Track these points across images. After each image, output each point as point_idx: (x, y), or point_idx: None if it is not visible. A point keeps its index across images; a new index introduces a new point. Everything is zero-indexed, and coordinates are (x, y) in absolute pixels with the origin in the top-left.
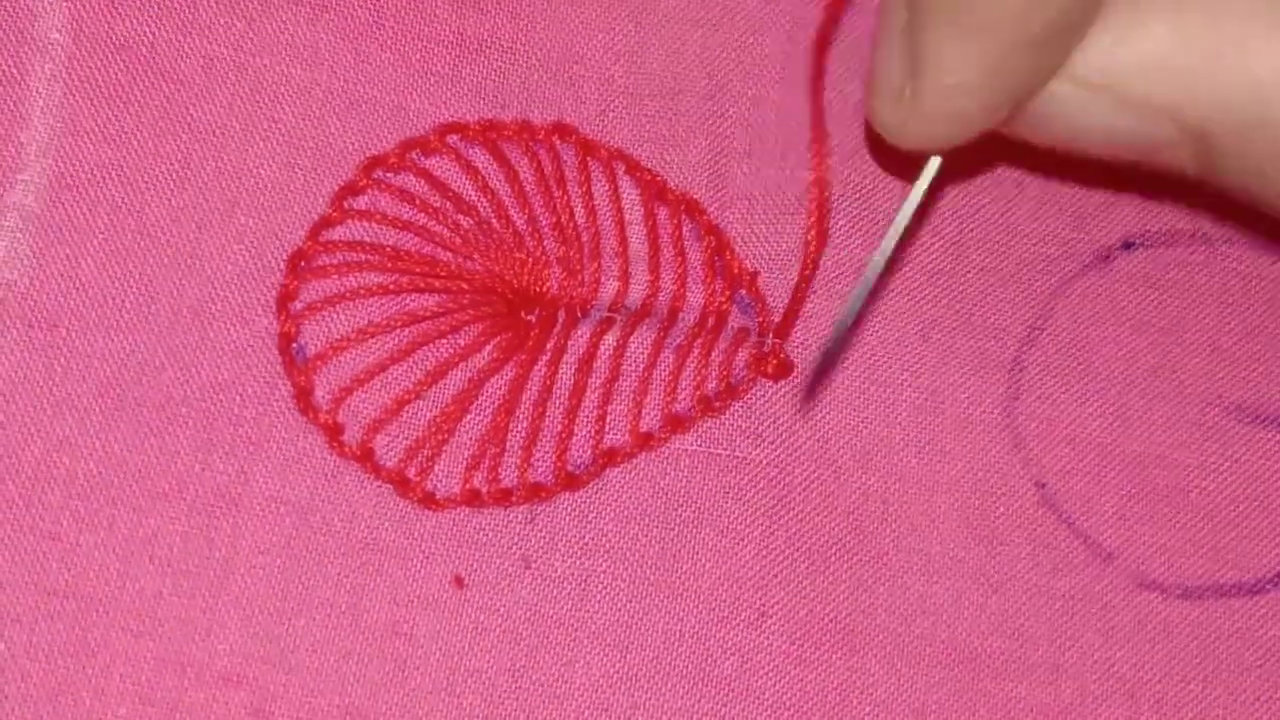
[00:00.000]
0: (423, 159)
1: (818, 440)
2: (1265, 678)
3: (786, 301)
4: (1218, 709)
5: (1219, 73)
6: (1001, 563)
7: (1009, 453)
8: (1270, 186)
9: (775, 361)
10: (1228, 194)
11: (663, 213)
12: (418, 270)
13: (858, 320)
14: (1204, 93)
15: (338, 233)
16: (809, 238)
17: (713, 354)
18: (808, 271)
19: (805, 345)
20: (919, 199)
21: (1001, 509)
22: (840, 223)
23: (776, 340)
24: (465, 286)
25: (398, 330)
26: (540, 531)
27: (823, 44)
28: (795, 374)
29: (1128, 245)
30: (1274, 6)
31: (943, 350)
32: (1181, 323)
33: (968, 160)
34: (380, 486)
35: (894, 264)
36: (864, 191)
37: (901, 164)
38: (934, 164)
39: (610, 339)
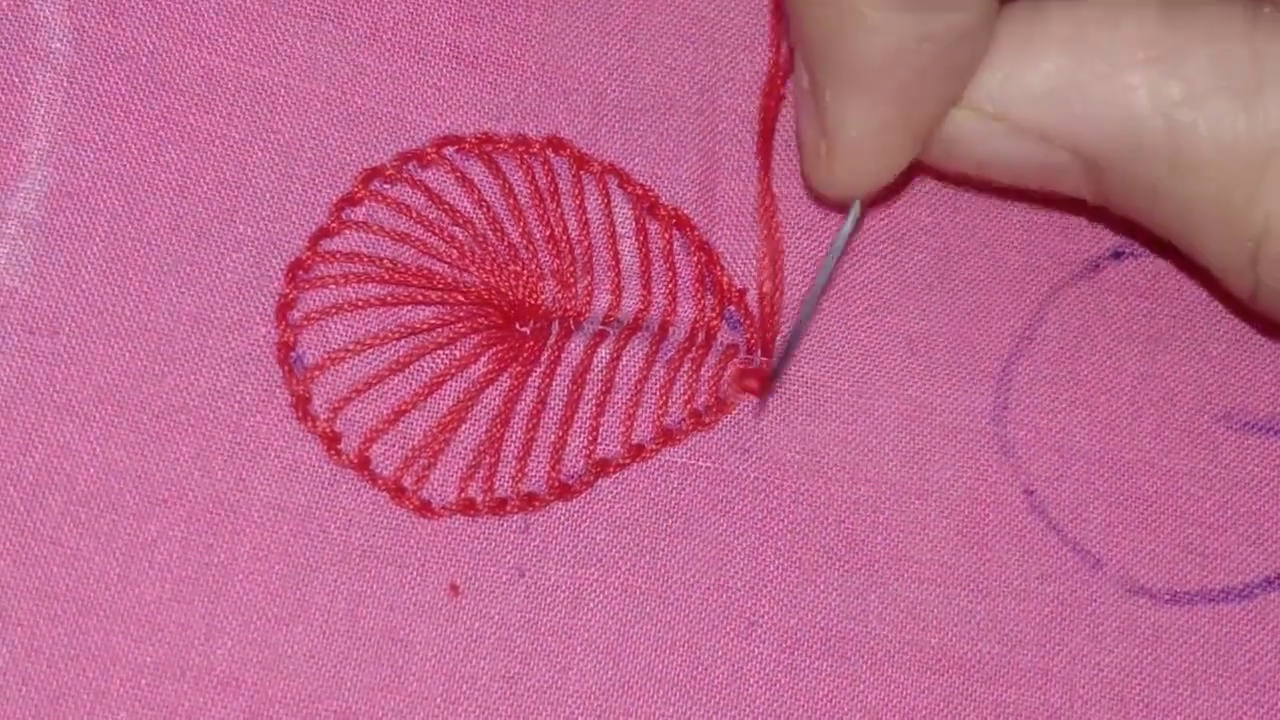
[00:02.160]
0: (419, 171)
1: (807, 452)
2: (1253, 682)
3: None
4: (1206, 714)
5: (1101, 103)
6: (990, 569)
7: (998, 460)
8: (1155, 211)
9: (758, 379)
10: (1125, 217)
11: (654, 227)
12: (415, 282)
13: (845, 336)
14: (1089, 122)
15: (336, 243)
16: (761, 254)
17: (703, 369)
18: (766, 289)
19: (794, 358)
20: (843, 243)
21: (990, 516)
22: (825, 241)
23: (765, 358)
24: (461, 299)
25: (395, 341)
26: (534, 540)
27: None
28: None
29: (1117, 255)
30: (1149, 41)
31: (931, 360)
32: (1169, 331)
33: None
34: (377, 495)
35: (882, 278)
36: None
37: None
38: (855, 208)
39: (603, 352)
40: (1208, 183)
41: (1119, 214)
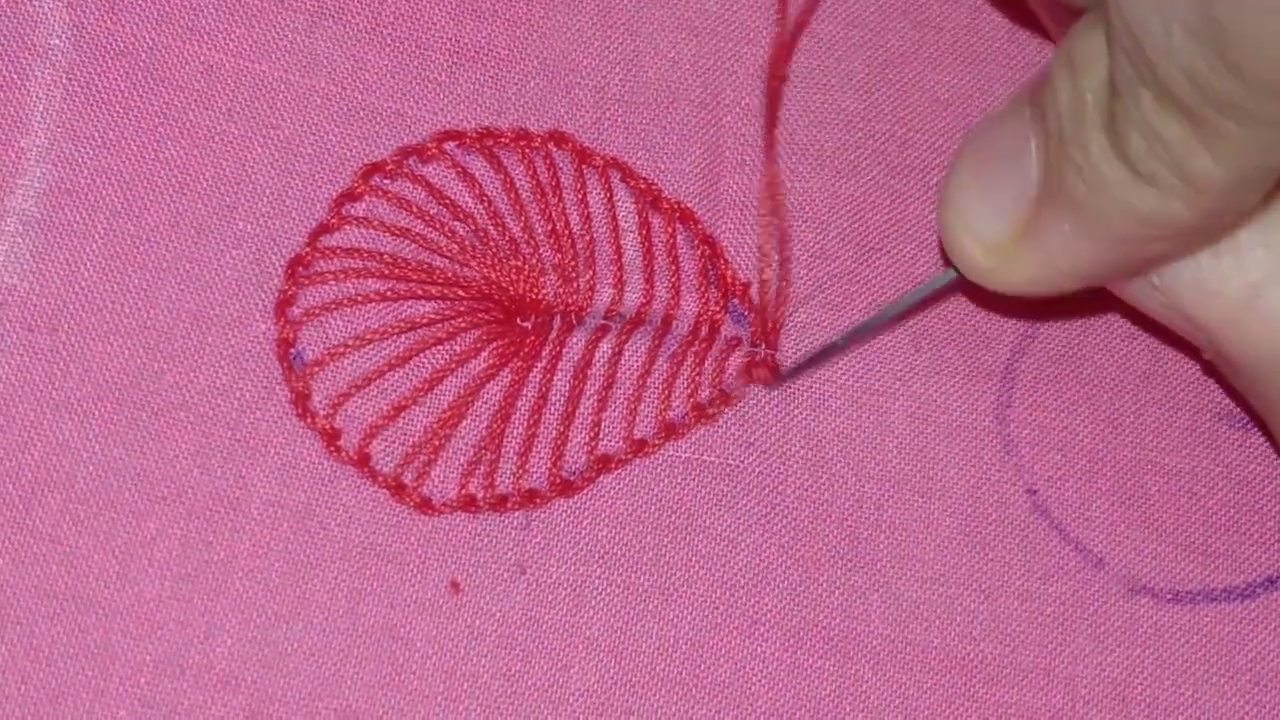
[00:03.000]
0: (420, 166)
1: (811, 448)
2: (1256, 681)
3: (774, 311)
4: (1209, 713)
5: (1252, 323)
6: (993, 569)
7: (1001, 459)
8: (1268, 417)
9: (767, 370)
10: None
11: (657, 221)
12: (415, 277)
13: (851, 327)
14: (1245, 340)
15: (336, 239)
16: (764, 243)
17: (706, 362)
18: (766, 277)
19: (798, 353)
20: (924, 296)
21: (993, 515)
22: (832, 235)
23: (769, 350)
24: (462, 294)
25: (395, 336)
26: (535, 537)
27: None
28: (786, 381)
29: None
30: None
31: (935, 358)
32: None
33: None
34: (377, 491)
35: (887, 275)
36: (855, 204)
37: None
38: (952, 273)
39: (605, 346)
40: None
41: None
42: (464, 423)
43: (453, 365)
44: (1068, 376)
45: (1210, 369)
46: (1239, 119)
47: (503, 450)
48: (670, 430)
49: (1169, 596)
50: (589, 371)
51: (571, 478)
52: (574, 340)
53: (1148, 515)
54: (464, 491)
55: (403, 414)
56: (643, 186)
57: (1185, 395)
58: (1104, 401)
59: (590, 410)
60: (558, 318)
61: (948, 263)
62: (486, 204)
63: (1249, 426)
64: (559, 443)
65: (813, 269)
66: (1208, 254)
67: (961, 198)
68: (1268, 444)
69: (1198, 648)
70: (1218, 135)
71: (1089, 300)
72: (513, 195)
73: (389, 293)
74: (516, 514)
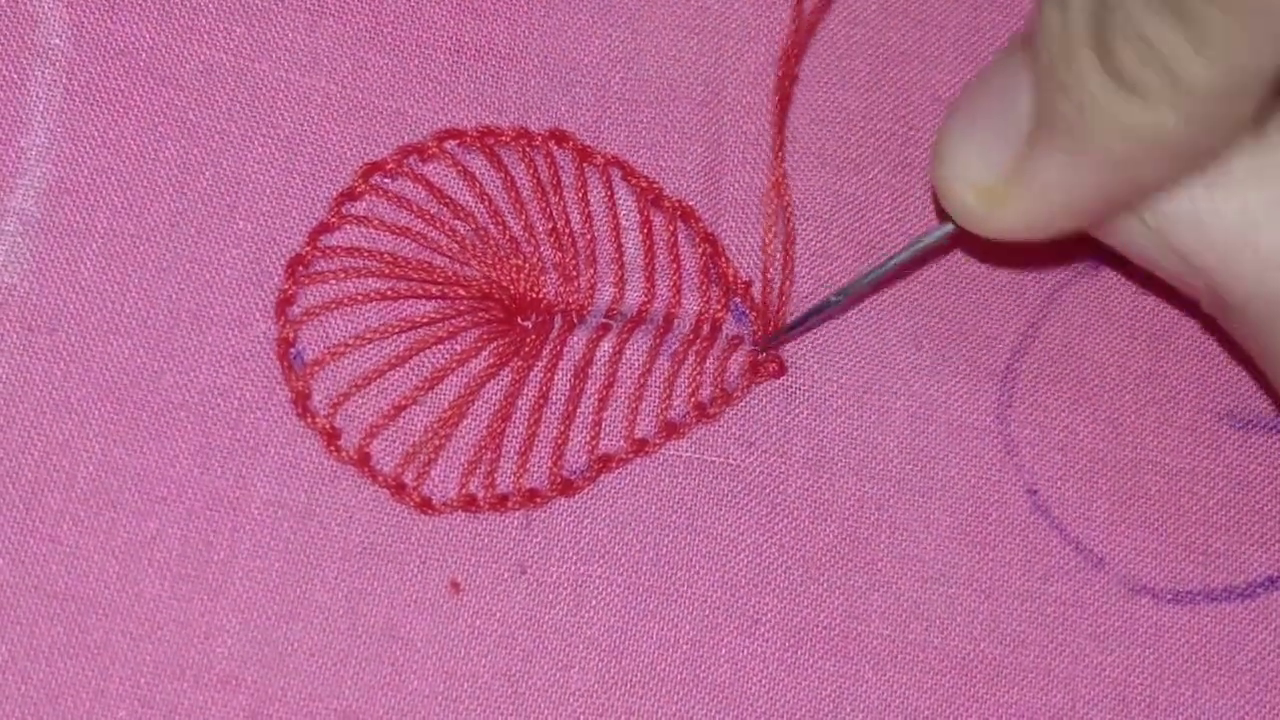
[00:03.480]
0: (420, 165)
1: (812, 447)
2: (1256, 681)
3: (776, 309)
4: (1209, 713)
5: (1245, 259)
6: (993, 568)
7: (1001, 459)
8: (1265, 361)
9: (771, 367)
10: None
11: (658, 219)
12: (415, 276)
13: (851, 331)
14: (1243, 274)
15: (336, 238)
16: (767, 240)
17: (707, 361)
18: (769, 274)
19: (799, 352)
20: (917, 250)
21: (993, 515)
22: (834, 234)
23: (771, 351)
24: (462, 293)
25: (395, 336)
26: (536, 537)
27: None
28: (789, 381)
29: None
30: None
31: (936, 358)
32: (1173, 329)
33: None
34: (377, 491)
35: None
36: (858, 203)
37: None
38: (948, 229)
39: (606, 345)
40: None
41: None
42: (464, 422)
43: (453, 364)
44: (1068, 376)
45: (1210, 323)
46: (1225, 5)
47: (503, 450)
48: (671, 429)
49: (1169, 596)
50: (590, 370)
51: (572, 477)
52: (575, 339)
53: (1148, 515)
54: (464, 491)
55: (403, 413)
56: (644, 185)
57: (1186, 395)
58: (1104, 401)
59: (591, 409)
60: (558, 317)
61: (942, 217)
62: (487, 203)
63: (1249, 426)
64: (560, 442)
65: (815, 267)
66: (1201, 186)
67: (953, 144)
68: (1269, 444)
69: (1198, 647)
70: (1205, 31)
71: (1081, 247)
72: (513, 194)
73: (389, 292)
74: (517, 514)
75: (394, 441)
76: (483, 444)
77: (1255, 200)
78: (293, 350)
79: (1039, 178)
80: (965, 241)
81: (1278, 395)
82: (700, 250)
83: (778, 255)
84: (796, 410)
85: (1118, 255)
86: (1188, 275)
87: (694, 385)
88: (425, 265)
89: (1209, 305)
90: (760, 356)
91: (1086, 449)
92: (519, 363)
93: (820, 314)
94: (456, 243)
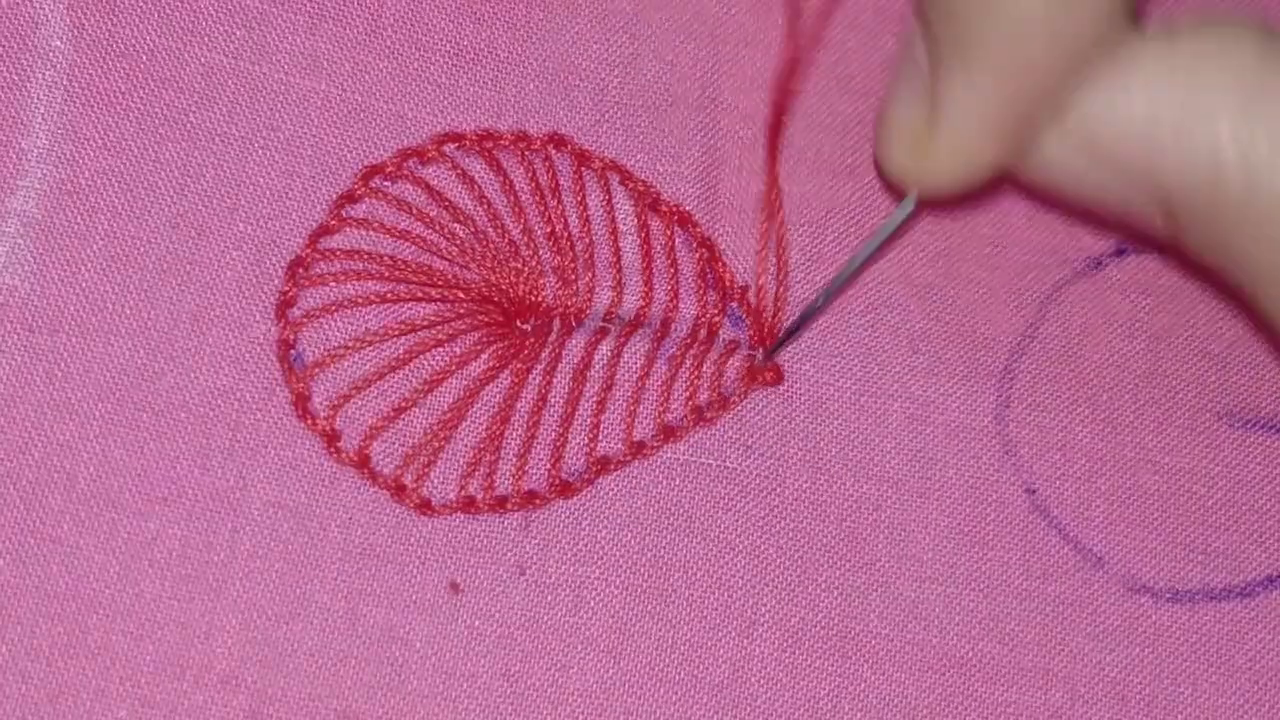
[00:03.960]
0: (420, 168)
1: (809, 450)
2: (1255, 681)
3: (772, 315)
4: (1208, 712)
5: (1185, 146)
6: (992, 568)
7: (1000, 459)
8: (1225, 260)
9: (767, 376)
10: (1198, 260)
11: (656, 224)
12: (415, 279)
13: (847, 335)
14: (1170, 162)
15: (336, 241)
16: (762, 249)
17: (704, 365)
18: (762, 280)
19: (796, 356)
20: (890, 230)
21: (992, 515)
22: (828, 239)
23: (768, 356)
24: (462, 296)
25: (395, 338)
26: (535, 539)
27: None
28: (785, 384)
29: (1119, 252)
30: (1247, 88)
31: (934, 358)
32: (1172, 329)
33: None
34: (377, 493)
35: (884, 276)
36: (851, 208)
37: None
38: (912, 198)
39: (605, 348)
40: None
41: (1191, 256)
42: (464, 424)
43: (452, 367)
44: (1067, 376)
45: (1171, 250)
46: None
47: (502, 452)
48: (669, 432)
49: (1168, 596)
50: (588, 373)
51: (571, 479)
52: (573, 342)
53: (1147, 514)
54: (464, 493)
55: (403, 416)
56: (641, 189)
57: (1184, 395)
58: (1103, 401)
59: (589, 412)
60: (557, 320)
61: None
62: (486, 206)
63: (1248, 425)
64: (558, 444)
65: (809, 272)
66: (1109, 73)
67: (884, 115)
68: (1267, 443)
69: (1197, 646)
70: None
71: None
72: (512, 197)
73: (389, 295)
74: (516, 515)
75: (394, 443)
76: (482, 446)
77: (1157, 81)
78: (293, 352)
79: (951, 113)
80: (938, 212)
81: (1252, 297)
82: (697, 254)
83: (772, 262)
84: (794, 413)
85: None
86: (1125, 186)
87: (691, 389)
88: (425, 268)
89: (1162, 223)
90: (757, 363)
91: (1085, 449)
92: (518, 365)
93: (811, 316)
94: (456, 246)
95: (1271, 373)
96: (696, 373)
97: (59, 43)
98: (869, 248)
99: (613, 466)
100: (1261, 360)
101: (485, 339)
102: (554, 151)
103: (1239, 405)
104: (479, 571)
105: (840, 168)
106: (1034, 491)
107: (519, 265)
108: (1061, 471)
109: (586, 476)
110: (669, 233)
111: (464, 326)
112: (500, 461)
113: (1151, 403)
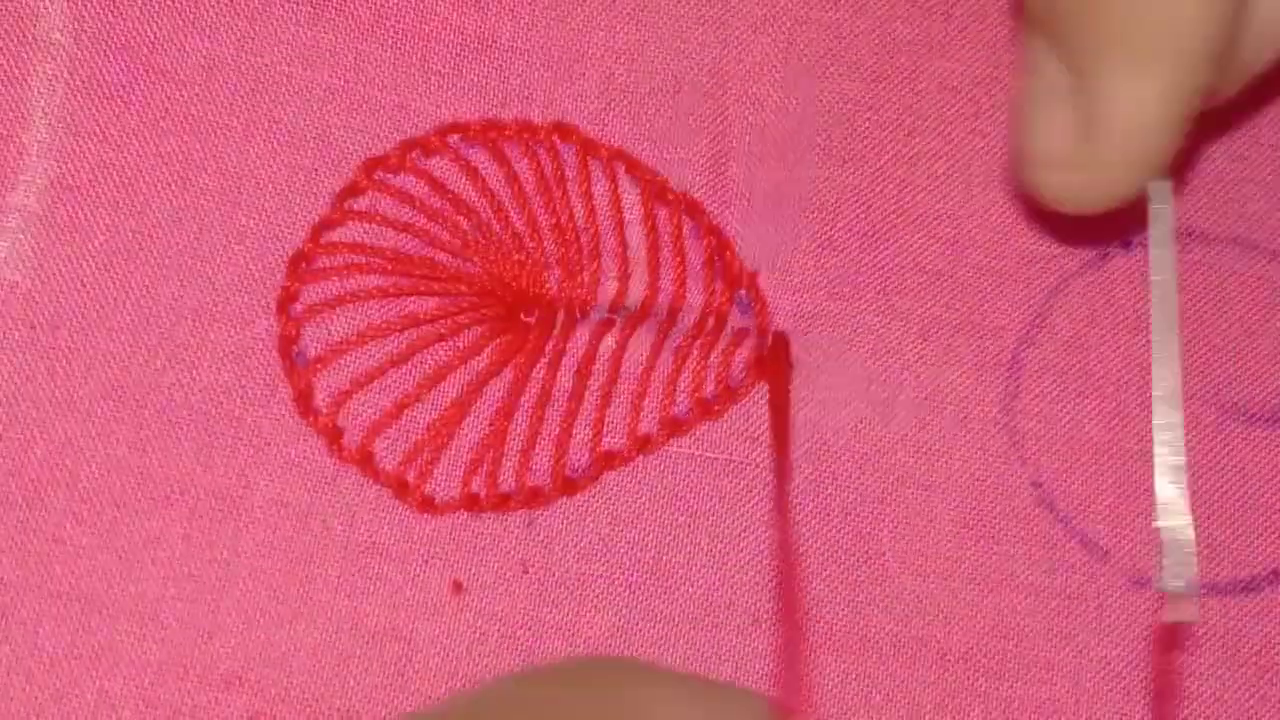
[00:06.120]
0: (423, 160)
1: (815, 442)
2: (1260, 676)
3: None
4: (1213, 707)
5: None
6: (998, 562)
7: (1006, 452)
8: None
9: (780, 364)
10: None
11: (663, 213)
12: (418, 273)
13: (857, 322)
14: None
15: (338, 234)
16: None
17: (712, 355)
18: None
19: (805, 344)
20: (1168, 230)
21: (998, 508)
22: (839, 225)
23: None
24: (465, 289)
25: (397, 333)
26: (539, 536)
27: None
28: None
29: (1126, 244)
30: None
31: (941, 350)
32: (1179, 321)
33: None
34: (379, 490)
35: (894, 264)
36: (862, 194)
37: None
38: (1164, 193)
39: (610, 340)
40: None
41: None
42: (467, 420)
43: (455, 362)
44: (1074, 368)
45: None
46: None
47: (506, 448)
48: (674, 426)
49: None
50: (593, 367)
51: (574, 476)
52: (578, 335)
53: (1152, 508)
54: (467, 490)
55: (405, 411)
56: (648, 178)
57: (1191, 388)
58: (1110, 394)
59: (594, 406)
60: (561, 312)
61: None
62: (489, 198)
63: (1254, 420)
64: (562, 440)
65: (820, 258)
66: None
67: (1028, 150)
68: (1273, 438)
69: (1202, 641)
70: None
71: None
72: (516, 188)
73: (392, 288)
74: (519, 512)
75: (396, 440)
76: (485, 442)
77: None
78: (295, 348)
79: (1117, 118)
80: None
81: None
82: (705, 243)
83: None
84: (800, 404)
85: None
86: None
87: (697, 381)
88: (428, 261)
89: None
90: (765, 350)
91: (1092, 441)
92: (521, 359)
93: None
94: (459, 238)
95: (1278, 367)
96: (703, 364)
97: (59, 35)
98: (1164, 283)
99: (617, 461)
100: (1269, 354)
101: (489, 333)
102: (559, 141)
103: (1245, 399)
104: (482, 569)
105: (849, 154)
106: (1040, 484)
107: (523, 257)
108: (1068, 464)
109: (591, 472)
110: (676, 221)
111: (467, 320)
112: (503, 458)
113: None
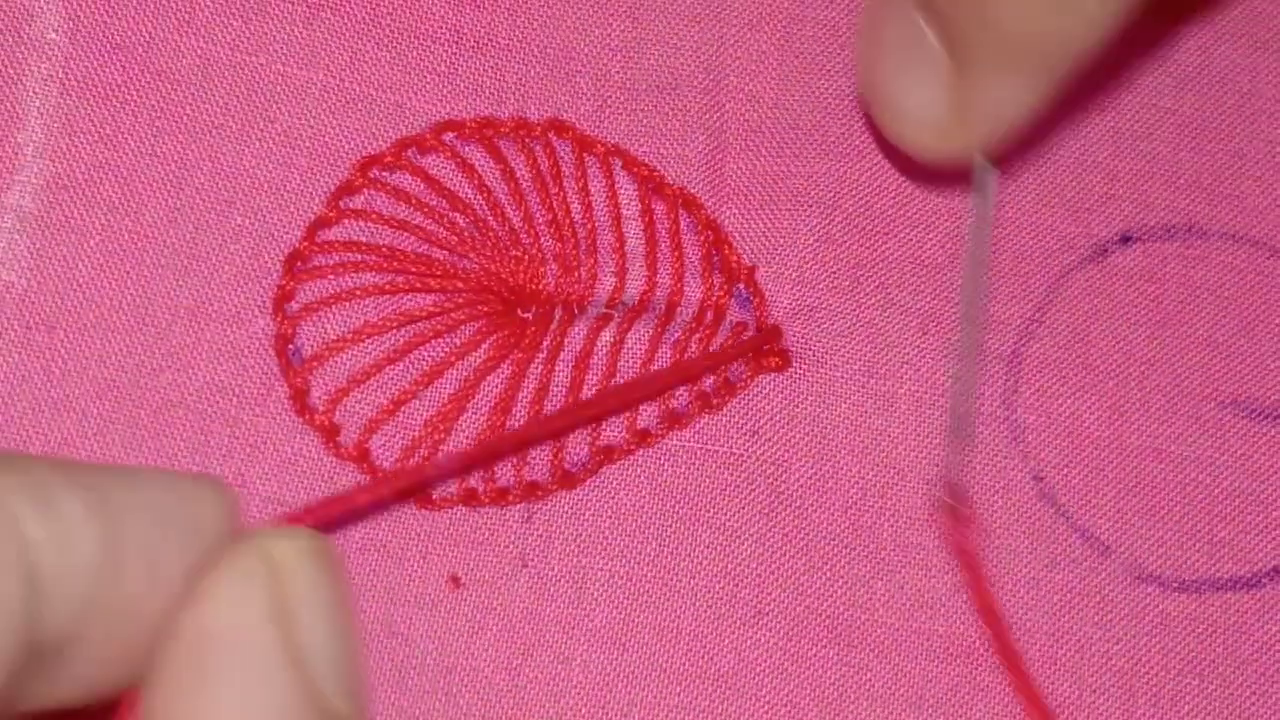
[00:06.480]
0: (419, 157)
1: (815, 435)
2: (1261, 671)
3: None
4: (1214, 702)
5: None
6: (999, 556)
7: (1007, 446)
8: None
9: (774, 356)
10: None
11: (660, 207)
12: (414, 270)
13: (856, 316)
14: None
15: (334, 233)
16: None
17: (710, 349)
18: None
19: (803, 338)
20: (989, 206)
21: (999, 503)
22: (838, 220)
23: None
24: (461, 286)
25: (394, 330)
26: (537, 530)
27: None
28: (792, 368)
29: (1125, 239)
30: None
31: (942, 343)
32: (1178, 317)
33: None
34: None
35: (894, 259)
36: (861, 189)
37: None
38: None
39: (607, 335)
40: None
41: None
42: (464, 416)
43: (452, 358)
44: (1075, 363)
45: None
46: None
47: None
48: (674, 419)
49: (1175, 585)
50: (590, 362)
51: (573, 470)
52: (575, 330)
53: (1154, 503)
54: (465, 485)
55: (402, 408)
56: (645, 173)
57: (1192, 383)
58: (1110, 388)
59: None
60: (559, 308)
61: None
62: (486, 194)
63: (1256, 415)
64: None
65: (819, 253)
66: None
67: (888, 94)
68: (1276, 433)
69: (1203, 636)
70: None
71: None
72: (512, 185)
73: (388, 286)
74: (518, 507)
75: (394, 437)
76: (483, 438)
77: None
78: (291, 346)
79: (987, 107)
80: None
81: None
82: (703, 238)
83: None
84: (800, 397)
85: None
86: None
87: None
88: (424, 258)
89: None
90: (763, 349)
91: (1092, 436)
92: (519, 355)
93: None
94: (455, 236)
95: (1278, 362)
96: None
97: (54, 35)
98: (980, 240)
99: (616, 456)
100: (1268, 349)
101: (486, 329)
102: (555, 137)
103: (1245, 394)
104: (480, 564)
105: (848, 149)
106: (1041, 479)
107: (519, 253)
108: (1069, 459)
109: (589, 466)
110: (673, 216)
111: (464, 317)
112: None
113: (1158, 391)
